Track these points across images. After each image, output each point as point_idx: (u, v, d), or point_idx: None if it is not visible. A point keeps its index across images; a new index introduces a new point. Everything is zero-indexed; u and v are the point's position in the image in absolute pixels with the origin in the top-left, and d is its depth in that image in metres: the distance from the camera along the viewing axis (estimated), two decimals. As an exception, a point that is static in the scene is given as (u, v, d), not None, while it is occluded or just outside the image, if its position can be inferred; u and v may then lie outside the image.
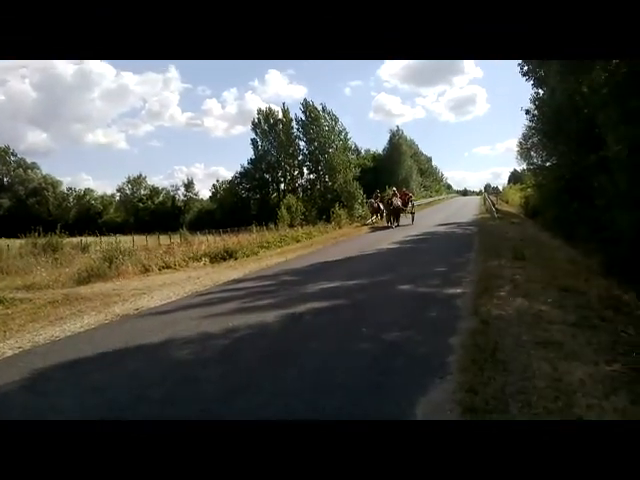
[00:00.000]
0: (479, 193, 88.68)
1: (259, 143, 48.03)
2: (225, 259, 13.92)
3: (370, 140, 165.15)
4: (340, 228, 24.18)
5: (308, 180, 47.32)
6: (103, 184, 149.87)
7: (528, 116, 21.36)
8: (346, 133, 45.38)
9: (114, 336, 5.82)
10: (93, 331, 6.21)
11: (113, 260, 11.55)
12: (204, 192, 65.65)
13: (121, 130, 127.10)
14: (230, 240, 18.07)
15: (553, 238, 15.82)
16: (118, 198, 67.24)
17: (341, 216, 26.49)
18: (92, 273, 10.80)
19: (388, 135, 55.08)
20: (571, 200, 16.71)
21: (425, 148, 72.77)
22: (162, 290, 8.92)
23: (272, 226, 23.95)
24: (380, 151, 54.67)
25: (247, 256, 14.48)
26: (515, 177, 59.78)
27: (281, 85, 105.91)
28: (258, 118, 47.57)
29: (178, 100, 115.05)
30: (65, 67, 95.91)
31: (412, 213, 23.46)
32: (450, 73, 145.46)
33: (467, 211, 33.52)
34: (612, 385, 3.67)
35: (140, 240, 28.35)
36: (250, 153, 49.11)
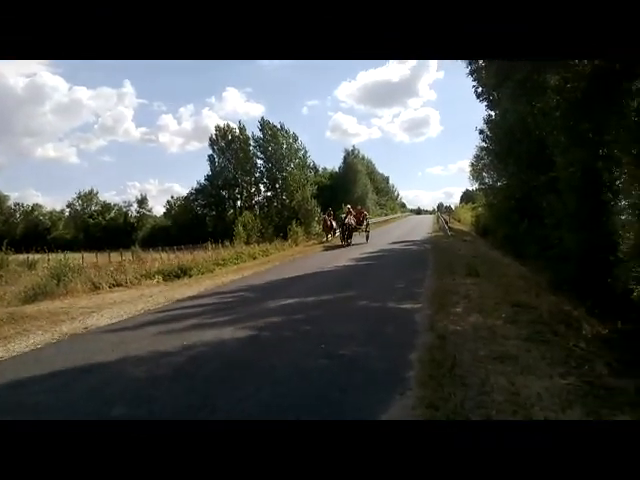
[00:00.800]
0: (432, 212, 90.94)
1: (216, 160, 47.75)
2: (179, 277, 13.58)
3: (327, 158, 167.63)
4: (297, 245, 23.97)
5: (265, 197, 47.41)
6: (53, 200, 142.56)
7: (481, 136, 22.20)
8: (305, 151, 46.05)
9: (62, 356, 5.48)
10: (39, 351, 5.85)
11: (61, 278, 11.10)
12: (158, 208, 64.36)
13: (72, 144, 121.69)
14: (185, 257, 17.78)
15: (504, 256, 16.32)
16: (68, 214, 64.81)
17: (298, 233, 26.32)
18: (39, 291, 10.34)
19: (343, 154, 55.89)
20: (521, 219, 17.37)
21: (381, 167, 73.89)
22: (113, 308, 8.51)
23: (228, 243, 23.60)
24: (337, 169, 55.22)
25: (202, 273, 14.20)
26: (467, 196, 61.63)
27: (239, 102, 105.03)
28: (215, 135, 47.43)
29: (132, 115, 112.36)
30: (16, 80, 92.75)
31: (367, 231, 23.26)
32: (405, 95, 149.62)
33: (421, 229, 34.23)
34: (568, 399, 3.72)
35: (90, 257, 27.23)
36: (206, 170, 48.90)
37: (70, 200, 64.78)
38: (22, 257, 22.70)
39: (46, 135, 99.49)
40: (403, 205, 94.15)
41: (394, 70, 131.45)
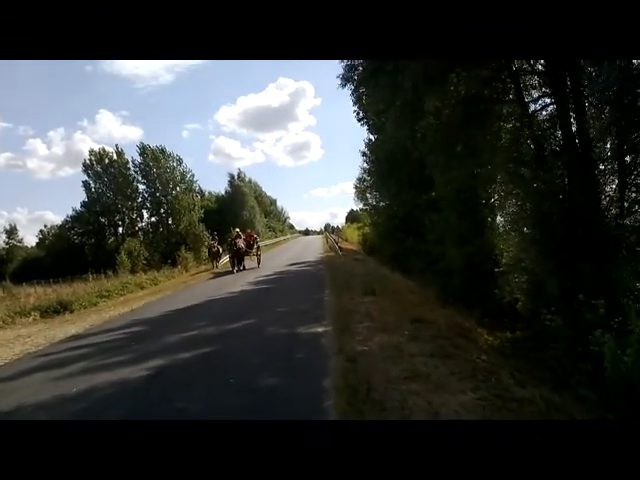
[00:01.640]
0: (320, 232, 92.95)
1: (92, 185, 44.35)
2: (59, 312, 12.39)
3: (211, 182, 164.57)
4: (187, 272, 23.04)
5: (150, 223, 45.11)
6: None
7: (364, 158, 23.23)
8: (192, 175, 45.13)
9: None
10: None
11: None
12: (29, 239, 58.60)
13: None
14: (64, 290, 16.40)
15: (392, 272, 17.03)
16: None
17: (188, 259, 25.40)
18: None
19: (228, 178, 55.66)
20: (406, 236, 18.31)
21: (268, 190, 74.14)
22: (-17, 354, 7.49)
23: (111, 273, 22.07)
24: (223, 193, 54.58)
25: (85, 307, 13.07)
26: (352, 216, 64.00)
27: (114, 126, 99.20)
28: (90, 159, 44.10)
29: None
30: None
31: (258, 255, 22.27)
32: (285, 119, 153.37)
33: (313, 250, 34.42)
34: (483, 414, 3.84)
35: (-47, 295, 24.08)
36: (82, 196, 45.35)
37: None
38: None
39: None
40: (292, 227, 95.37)
41: (273, 96, 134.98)
